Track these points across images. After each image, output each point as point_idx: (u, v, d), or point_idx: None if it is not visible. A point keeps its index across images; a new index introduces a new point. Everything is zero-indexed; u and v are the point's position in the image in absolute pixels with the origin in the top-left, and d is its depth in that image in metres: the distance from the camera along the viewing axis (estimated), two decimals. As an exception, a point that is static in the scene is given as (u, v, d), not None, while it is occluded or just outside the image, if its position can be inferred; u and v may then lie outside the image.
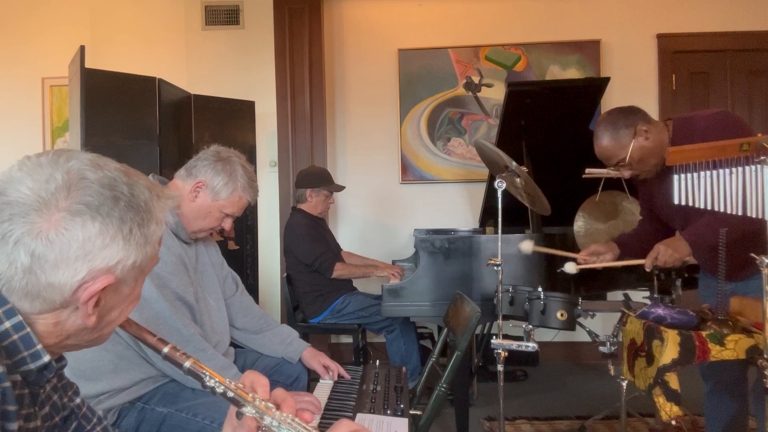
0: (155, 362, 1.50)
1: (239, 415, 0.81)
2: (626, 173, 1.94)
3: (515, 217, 2.94)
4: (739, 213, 1.60)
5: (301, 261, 3.17)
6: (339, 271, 3.16)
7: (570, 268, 2.07)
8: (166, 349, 0.81)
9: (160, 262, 1.52)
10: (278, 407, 0.81)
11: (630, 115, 1.93)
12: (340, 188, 3.34)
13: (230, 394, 0.80)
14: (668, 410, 1.66)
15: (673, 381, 1.66)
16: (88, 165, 0.72)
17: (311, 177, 3.27)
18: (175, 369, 0.83)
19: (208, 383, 0.80)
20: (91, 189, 0.70)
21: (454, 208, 4.17)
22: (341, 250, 3.46)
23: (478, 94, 4.11)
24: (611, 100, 4.04)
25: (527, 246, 2.20)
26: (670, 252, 1.86)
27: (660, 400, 1.67)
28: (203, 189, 1.65)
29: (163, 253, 1.56)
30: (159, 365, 1.51)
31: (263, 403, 0.80)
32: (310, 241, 3.15)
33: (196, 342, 1.54)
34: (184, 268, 1.64)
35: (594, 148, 1.99)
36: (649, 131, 1.89)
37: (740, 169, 1.59)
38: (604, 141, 1.93)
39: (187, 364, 0.81)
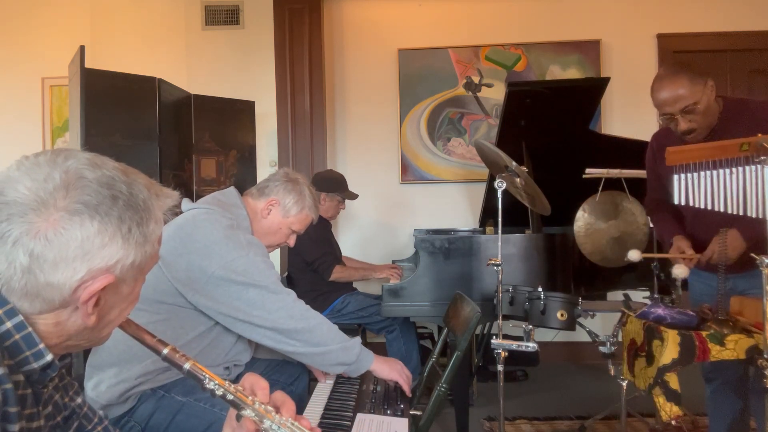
0: (208, 354, 1.57)
1: (239, 417, 0.81)
2: (685, 124, 1.86)
3: (515, 217, 2.94)
4: (740, 213, 1.61)
5: (302, 260, 3.16)
6: (337, 274, 3.16)
7: (634, 255, 2.04)
8: (165, 351, 0.81)
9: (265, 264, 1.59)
10: (278, 410, 0.81)
11: (700, 68, 1.88)
12: (354, 196, 3.34)
13: (230, 396, 0.80)
14: (668, 410, 1.66)
15: (673, 381, 1.66)
16: (87, 164, 0.71)
17: (328, 182, 3.27)
18: None
19: (207, 385, 0.80)
20: (89, 188, 0.69)
21: (454, 208, 4.17)
22: (341, 255, 3.45)
23: (478, 94, 4.11)
24: (611, 100, 4.05)
25: (635, 254, 2.07)
26: (728, 253, 1.82)
27: (660, 400, 1.67)
28: (275, 207, 1.79)
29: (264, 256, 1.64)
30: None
31: (263, 406, 0.80)
32: (313, 242, 3.14)
33: (311, 312, 1.61)
34: None
35: (656, 91, 1.89)
36: (714, 90, 1.86)
37: (740, 169, 1.59)
38: (681, 81, 1.83)
39: (187, 365, 0.80)
